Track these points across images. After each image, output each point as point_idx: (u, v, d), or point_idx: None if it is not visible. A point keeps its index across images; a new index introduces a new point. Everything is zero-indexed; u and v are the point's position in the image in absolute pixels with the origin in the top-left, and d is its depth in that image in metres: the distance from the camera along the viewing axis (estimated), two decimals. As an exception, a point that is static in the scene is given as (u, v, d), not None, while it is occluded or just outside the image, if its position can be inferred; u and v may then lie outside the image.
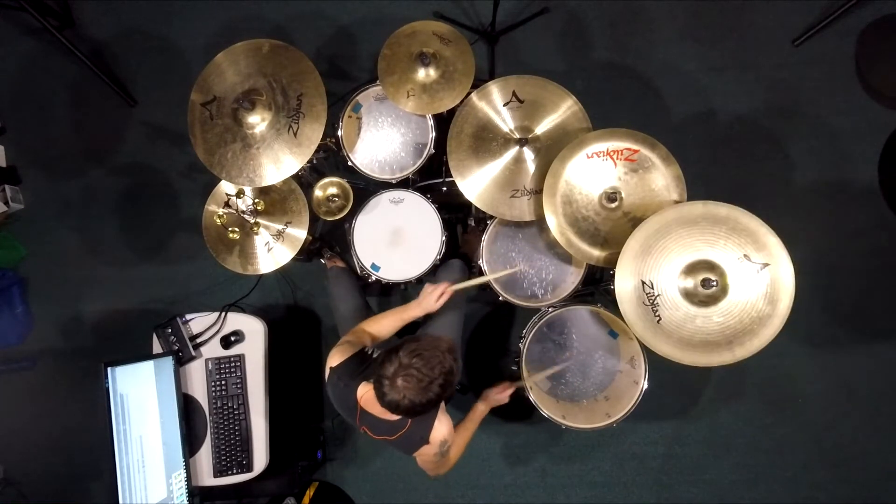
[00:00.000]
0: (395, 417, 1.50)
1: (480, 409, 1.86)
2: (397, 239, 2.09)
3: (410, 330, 2.12)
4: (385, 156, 2.14)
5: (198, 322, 2.09)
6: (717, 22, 2.62)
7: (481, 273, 2.05)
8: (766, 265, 1.65)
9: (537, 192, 1.90)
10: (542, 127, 1.94)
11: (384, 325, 1.76)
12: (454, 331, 1.98)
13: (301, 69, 1.87)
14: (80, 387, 2.53)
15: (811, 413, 2.45)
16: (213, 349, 2.08)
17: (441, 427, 1.56)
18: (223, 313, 2.09)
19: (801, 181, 2.53)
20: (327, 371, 1.61)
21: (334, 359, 1.60)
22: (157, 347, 2.06)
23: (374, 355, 1.77)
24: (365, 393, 1.53)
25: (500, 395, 1.89)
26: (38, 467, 2.52)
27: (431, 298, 1.72)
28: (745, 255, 1.66)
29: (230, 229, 1.94)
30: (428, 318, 1.98)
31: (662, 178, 1.82)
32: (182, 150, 2.63)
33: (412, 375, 1.36)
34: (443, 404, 1.63)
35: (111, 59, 2.71)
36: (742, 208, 1.69)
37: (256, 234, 2.01)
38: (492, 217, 2.03)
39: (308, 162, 1.86)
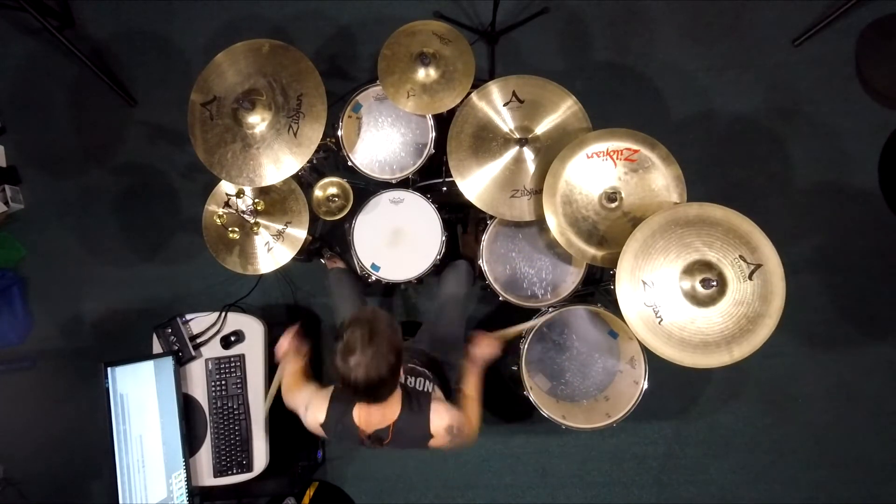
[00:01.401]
0: (389, 421, 1.48)
1: (477, 363, 1.74)
2: (397, 239, 2.09)
3: (411, 330, 2.12)
4: (385, 156, 2.14)
5: (198, 322, 2.09)
6: (717, 22, 2.62)
7: (482, 273, 2.05)
8: (758, 266, 1.65)
9: (537, 192, 1.90)
10: (542, 127, 1.94)
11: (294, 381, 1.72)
12: (458, 322, 1.99)
13: (301, 69, 1.87)
14: (80, 387, 2.53)
15: (811, 413, 2.45)
16: (213, 349, 2.08)
17: (441, 417, 1.51)
18: (223, 313, 2.09)
19: (801, 181, 2.53)
20: (317, 429, 1.56)
21: (319, 415, 1.54)
22: (157, 347, 2.06)
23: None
24: (360, 416, 1.50)
25: (488, 349, 1.76)
26: (38, 467, 2.52)
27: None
28: (740, 257, 1.66)
29: (230, 229, 1.94)
30: (437, 313, 2.00)
31: (662, 178, 1.82)
32: (182, 150, 2.63)
33: (355, 344, 1.32)
34: (440, 395, 1.61)
35: (111, 59, 2.71)
36: (736, 210, 1.69)
37: (256, 234, 2.01)
38: (492, 217, 2.03)
39: (308, 162, 1.86)
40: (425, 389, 1.65)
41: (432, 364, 1.87)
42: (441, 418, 1.52)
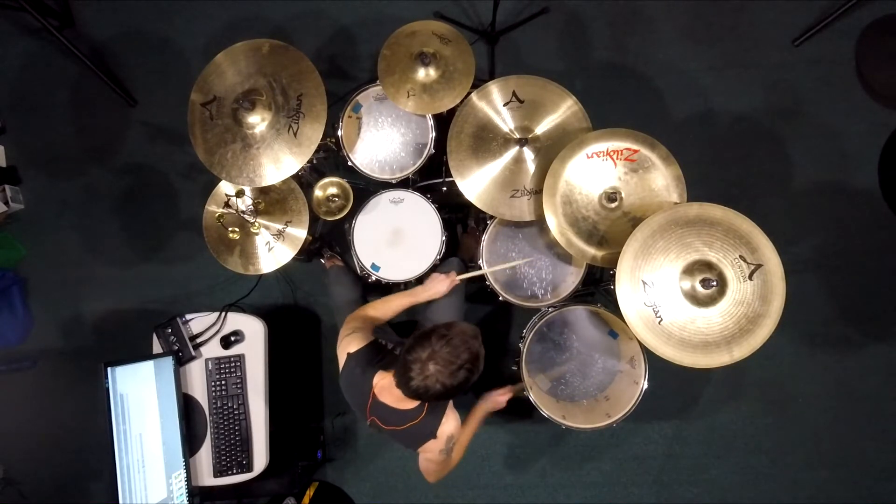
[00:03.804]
0: (408, 406, 1.52)
1: (480, 410, 1.86)
2: (397, 239, 2.09)
3: (408, 330, 2.10)
4: (385, 156, 2.14)
5: (198, 322, 2.09)
6: (717, 22, 2.62)
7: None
8: (758, 266, 1.65)
9: (537, 192, 1.90)
10: (542, 127, 1.94)
11: (388, 308, 1.78)
12: (456, 317, 1.99)
13: (301, 69, 1.87)
14: (80, 387, 2.53)
15: (811, 413, 2.45)
16: (213, 349, 2.08)
17: (449, 422, 1.57)
18: (223, 313, 2.09)
19: (801, 181, 2.53)
20: (343, 357, 1.61)
21: (352, 345, 1.61)
22: (157, 347, 2.06)
23: (390, 347, 1.79)
24: (381, 381, 1.54)
25: (500, 398, 1.88)
26: (38, 467, 2.52)
27: (442, 286, 1.78)
28: (740, 257, 1.66)
29: (230, 229, 1.94)
30: (428, 305, 1.99)
31: (662, 178, 1.82)
32: (182, 150, 2.63)
33: (443, 358, 1.38)
34: (451, 401, 1.64)
35: (111, 59, 2.71)
36: (736, 210, 1.69)
37: (257, 233, 2.01)
38: (492, 217, 2.03)
39: (308, 162, 1.86)
40: None
41: None
42: (449, 425, 1.57)
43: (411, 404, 1.53)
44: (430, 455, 1.61)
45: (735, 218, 1.69)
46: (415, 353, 1.40)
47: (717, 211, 1.69)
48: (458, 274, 1.87)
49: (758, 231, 1.68)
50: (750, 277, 1.66)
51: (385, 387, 1.52)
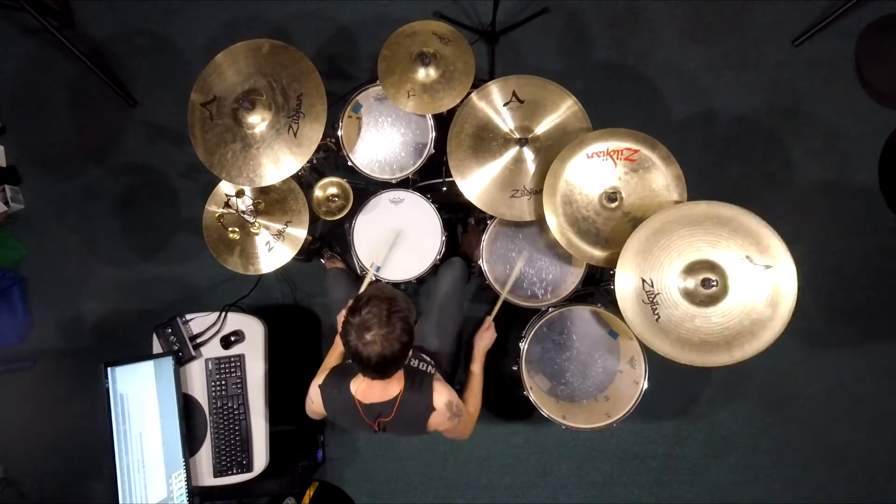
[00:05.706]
0: (392, 394, 1.53)
1: (479, 352, 1.88)
2: (397, 239, 2.09)
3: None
4: (385, 156, 2.14)
5: (198, 322, 2.09)
6: (717, 22, 2.62)
7: (481, 273, 2.06)
8: (768, 267, 1.65)
9: (537, 192, 1.90)
10: (542, 127, 1.94)
11: (333, 361, 1.83)
12: (454, 318, 2.02)
13: (301, 69, 1.87)
14: (80, 387, 2.53)
15: (811, 413, 2.45)
16: (213, 349, 2.08)
17: (440, 395, 1.57)
18: (223, 313, 2.09)
19: (801, 181, 2.53)
20: (316, 393, 1.64)
21: (318, 380, 1.64)
22: (157, 347, 2.06)
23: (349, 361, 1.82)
24: (357, 387, 1.56)
25: (488, 332, 1.90)
26: (38, 467, 2.52)
27: None
28: (746, 257, 1.66)
29: (230, 229, 1.94)
30: (426, 312, 2.03)
31: (662, 178, 1.82)
32: (182, 150, 2.63)
33: (372, 321, 1.37)
34: (439, 375, 1.66)
35: (111, 59, 2.71)
36: (746, 209, 1.69)
37: (257, 233, 2.01)
38: (492, 217, 2.03)
39: (308, 162, 1.86)
40: (427, 370, 1.68)
41: (430, 356, 1.91)
42: (441, 395, 1.58)
43: (394, 390, 1.54)
44: (444, 426, 1.61)
45: (744, 217, 1.67)
46: (350, 343, 1.39)
47: (726, 210, 1.68)
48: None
49: (770, 231, 1.66)
50: (757, 277, 1.65)
51: (363, 388, 1.55)
